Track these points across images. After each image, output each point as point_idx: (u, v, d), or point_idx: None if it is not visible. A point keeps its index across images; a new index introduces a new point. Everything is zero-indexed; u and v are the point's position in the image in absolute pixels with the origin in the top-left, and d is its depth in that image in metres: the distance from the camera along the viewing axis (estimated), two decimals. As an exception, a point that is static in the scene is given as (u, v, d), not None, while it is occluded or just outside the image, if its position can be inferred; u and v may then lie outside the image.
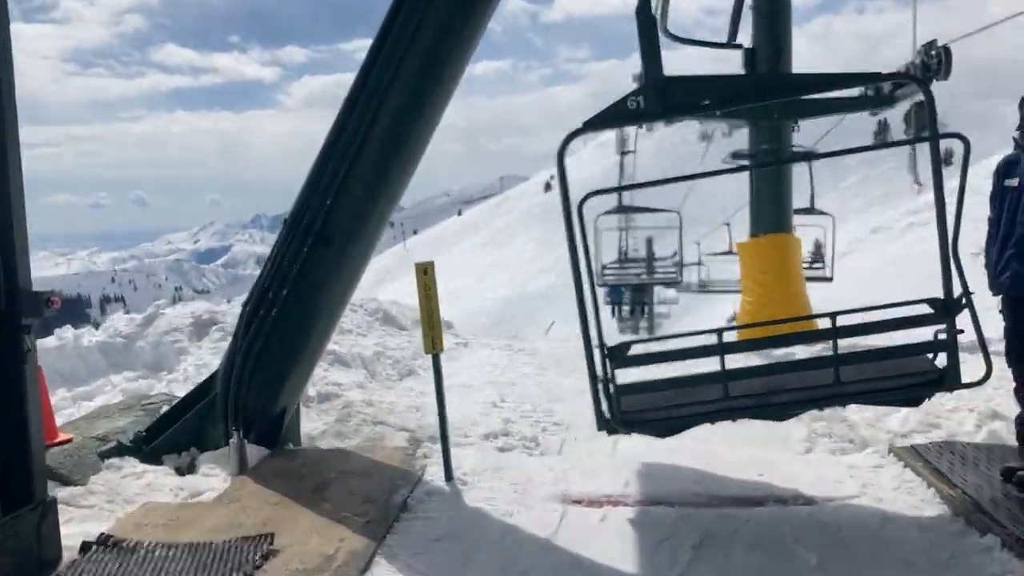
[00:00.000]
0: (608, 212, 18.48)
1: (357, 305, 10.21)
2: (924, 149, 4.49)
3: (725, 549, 4.05)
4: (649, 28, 3.81)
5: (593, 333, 4.07)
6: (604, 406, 4.22)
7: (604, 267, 21.27)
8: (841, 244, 30.62)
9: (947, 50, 10.03)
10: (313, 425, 6.42)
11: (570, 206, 3.96)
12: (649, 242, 40.60)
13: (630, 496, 4.90)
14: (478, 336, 12.02)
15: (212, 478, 5.20)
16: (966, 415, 6.51)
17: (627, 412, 4.20)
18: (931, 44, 10.32)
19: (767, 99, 4.29)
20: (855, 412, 6.90)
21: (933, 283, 4.14)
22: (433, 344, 5.04)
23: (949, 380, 4.03)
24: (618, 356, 4.07)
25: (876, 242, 27.42)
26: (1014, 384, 4.65)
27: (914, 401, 4.45)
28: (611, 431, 4.32)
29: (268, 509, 4.55)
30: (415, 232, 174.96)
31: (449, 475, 5.21)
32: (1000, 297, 4.68)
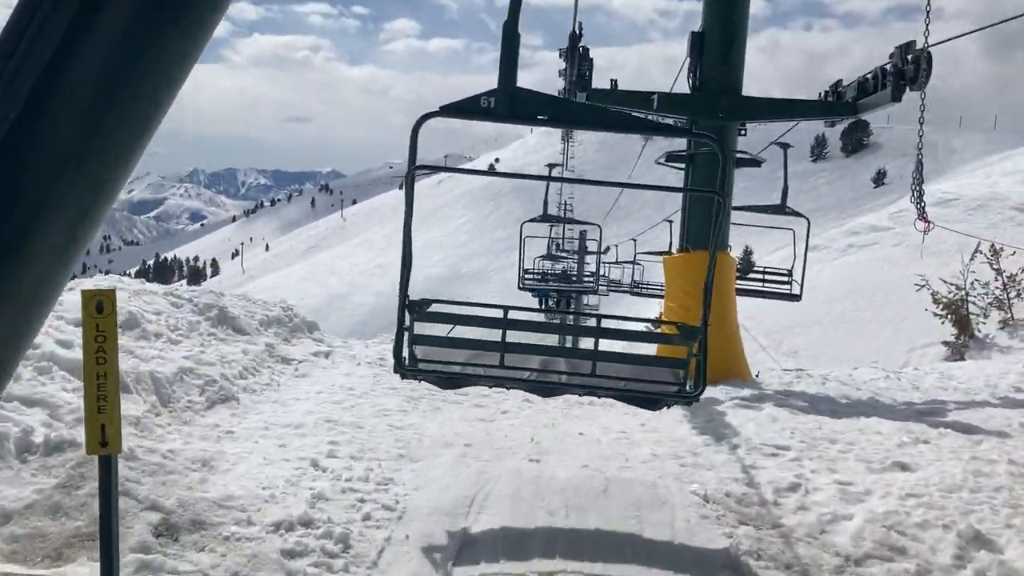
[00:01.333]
0: (532, 220, 17.34)
1: (184, 299, 8.04)
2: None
3: None
4: (511, 44, 4.03)
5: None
6: (405, 352, 4.51)
7: (525, 271, 19.80)
8: (776, 260, 29.20)
9: (928, 55, 8.37)
10: (20, 493, 4.39)
11: (412, 177, 4.24)
12: (582, 235, 39.20)
13: None
14: (350, 342, 10.01)
15: None
16: (940, 534, 4.81)
17: (419, 360, 4.60)
18: (909, 46, 8.66)
19: (595, 128, 4.45)
20: (792, 515, 5.19)
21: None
22: (102, 438, 2.84)
23: (683, 393, 4.64)
24: (417, 309, 4.52)
25: (811, 260, 26.07)
26: None
27: (652, 405, 4.94)
28: (403, 375, 4.65)
29: None
30: (354, 202, 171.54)
31: None
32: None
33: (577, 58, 9.10)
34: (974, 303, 15.79)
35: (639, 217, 71.57)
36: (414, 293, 4.38)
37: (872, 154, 67.40)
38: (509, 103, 4.03)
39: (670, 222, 20.74)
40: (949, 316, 15.79)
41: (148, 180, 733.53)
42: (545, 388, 4.91)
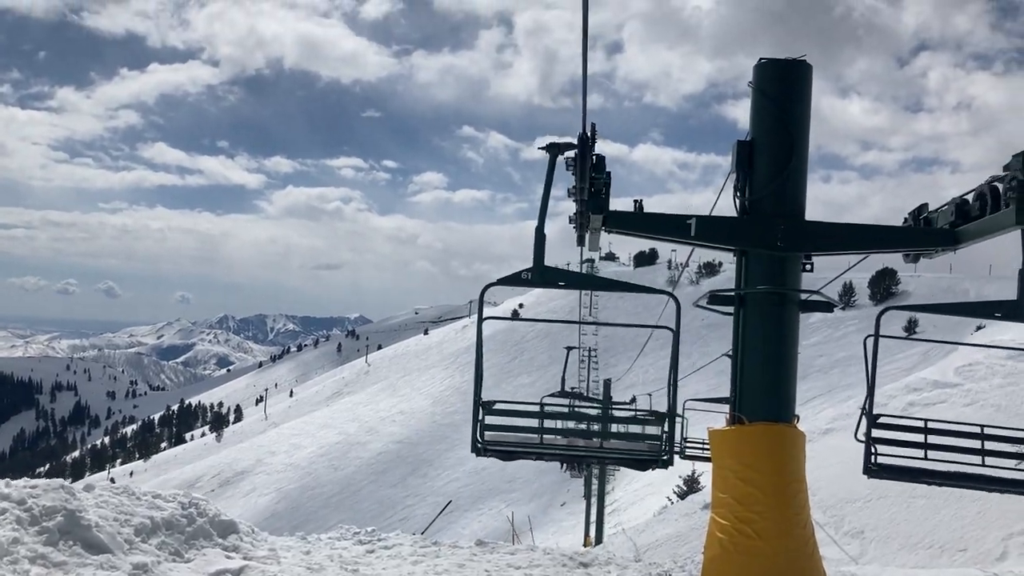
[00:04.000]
0: (552, 395, 15.75)
1: (11, 501, 5.27)
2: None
3: None
4: (541, 239, 6.81)
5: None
6: (479, 439, 6.84)
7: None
8: (822, 421, 25.96)
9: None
10: None
11: (481, 337, 7.17)
12: (607, 385, 36.61)
13: None
14: (282, 549, 7.38)
15: None
16: None
17: (487, 442, 6.93)
18: (1036, 152, 6.43)
19: (595, 289, 6.72)
20: None
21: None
22: None
23: (658, 461, 7.12)
24: (487, 407, 6.87)
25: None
26: None
27: (642, 466, 7.37)
28: (478, 454, 6.95)
29: None
30: (379, 347, 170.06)
31: None
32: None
33: (589, 170, 6.92)
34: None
35: (664, 364, 68.49)
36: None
37: (901, 302, 64.83)
38: (540, 276, 6.68)
39: (731, 356, 15.98)
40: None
41: (178, 326, 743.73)
42: (570, 457, 6.95)
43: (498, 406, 7.06)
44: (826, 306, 7.87)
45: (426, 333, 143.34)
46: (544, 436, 7.17)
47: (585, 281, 7.62)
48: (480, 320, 7.13)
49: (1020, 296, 7.08)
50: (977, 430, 7.69)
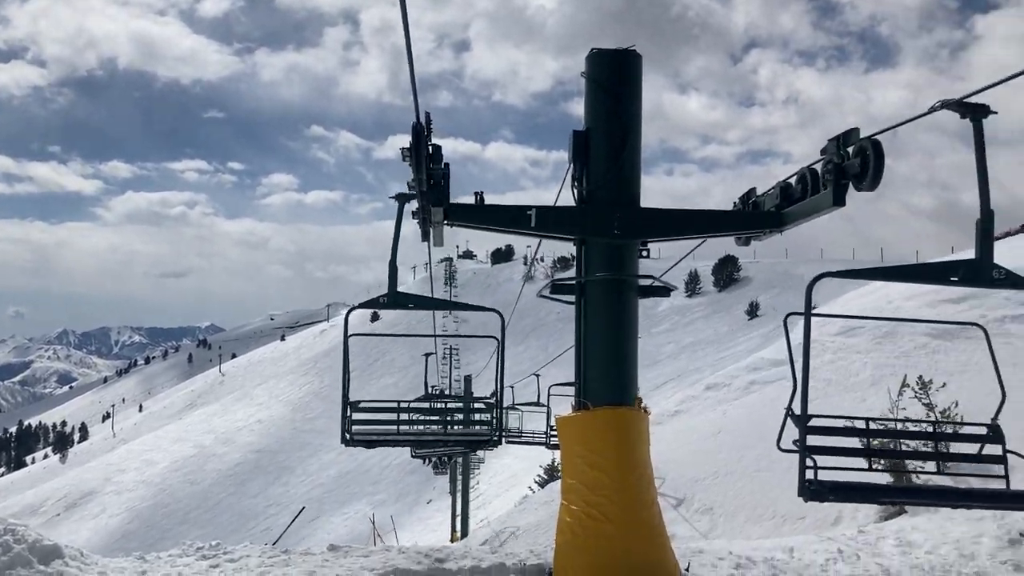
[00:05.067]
0: (418, 399, 15.27)
1: None
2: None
3: None
4: (394, 270, 8.30)
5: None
6: (345, 430, 8.25)
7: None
8: (671, 404, 27.01)
9: (876, 145, 6.41)
10: None
11: (347, 352, 8.43)
12: (467, 381, 36.70)
13: None
14: (115, 569, 6.93)
15: None
16: None
17: (354, 434, 8.32)
18: (849, 136, 6.72)
19: (439, 309, 10.53)
20: None
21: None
22: None
23: (490, 441, 9.13)
24: (354, 405, 8.29)
25: (711, 401, 24.13)
26: None
27: (475, 447, 10.79)
28: (346, 443, 8.22)
29: None
30: (233, 356, 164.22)
31: None
32: None
33: (425, 160, 6.82)
34: (906, 445, 13.87)
35: (523, 358, 68.78)
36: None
37: (742, 288, 68.10)
38: (394, 301, 8.06)
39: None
40: (881, 461, 13.78)
41: (12, 343, 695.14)
42: (422, 442, 10.07)
43: (363, 404, 8.66)
44: (663, 291, 8.07)
45: (283, 339, 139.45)
46: (401, 427, 8.94)
47: (429, 303, 9.71)
48: (346, 338, 8.32)
49: (980, 254, 5.49)
50: (929, 428, 6.66)
